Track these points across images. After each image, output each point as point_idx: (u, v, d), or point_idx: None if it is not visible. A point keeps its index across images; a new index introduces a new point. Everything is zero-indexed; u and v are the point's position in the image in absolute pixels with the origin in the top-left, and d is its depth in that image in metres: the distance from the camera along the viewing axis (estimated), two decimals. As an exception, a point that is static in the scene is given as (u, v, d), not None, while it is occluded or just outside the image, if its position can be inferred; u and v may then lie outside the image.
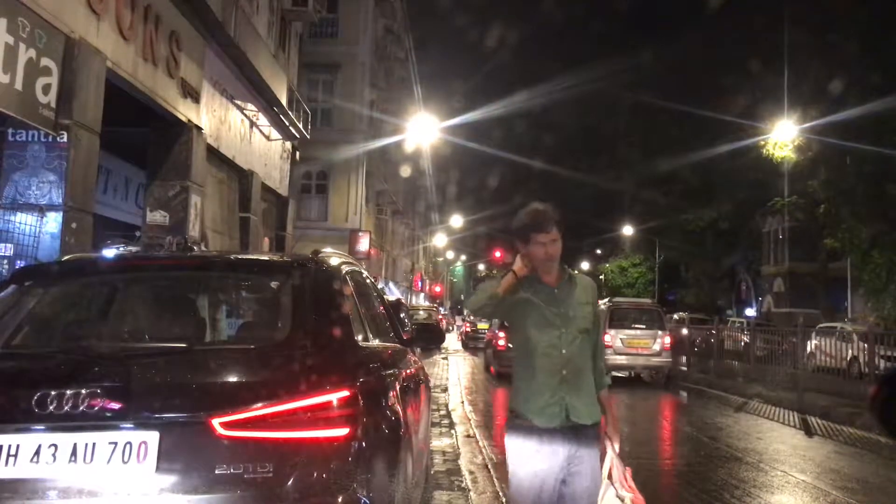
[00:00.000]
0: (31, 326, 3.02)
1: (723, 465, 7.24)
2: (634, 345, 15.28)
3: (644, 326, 15.67)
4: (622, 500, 2.83)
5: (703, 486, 6.20)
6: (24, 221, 7.07)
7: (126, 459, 2.25)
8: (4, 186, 7.19)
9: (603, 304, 18.12)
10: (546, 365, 2.77)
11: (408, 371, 3.75)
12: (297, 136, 17.62)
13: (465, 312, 39.07)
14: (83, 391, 2.29)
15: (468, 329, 30.51)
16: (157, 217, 10.25)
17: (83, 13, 7.52)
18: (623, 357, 15.29)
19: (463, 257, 71.10)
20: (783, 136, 22.65)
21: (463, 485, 5.51)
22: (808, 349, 14.61)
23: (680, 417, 11.21)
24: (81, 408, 2.27)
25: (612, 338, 15.09)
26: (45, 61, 6.80)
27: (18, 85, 6.39)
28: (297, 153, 18.62)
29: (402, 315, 4.42)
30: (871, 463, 7.61)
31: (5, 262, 6.94)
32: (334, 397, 2.42)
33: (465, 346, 29.55)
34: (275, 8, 16.56)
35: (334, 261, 3.37)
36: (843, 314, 28.60)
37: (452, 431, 7.96)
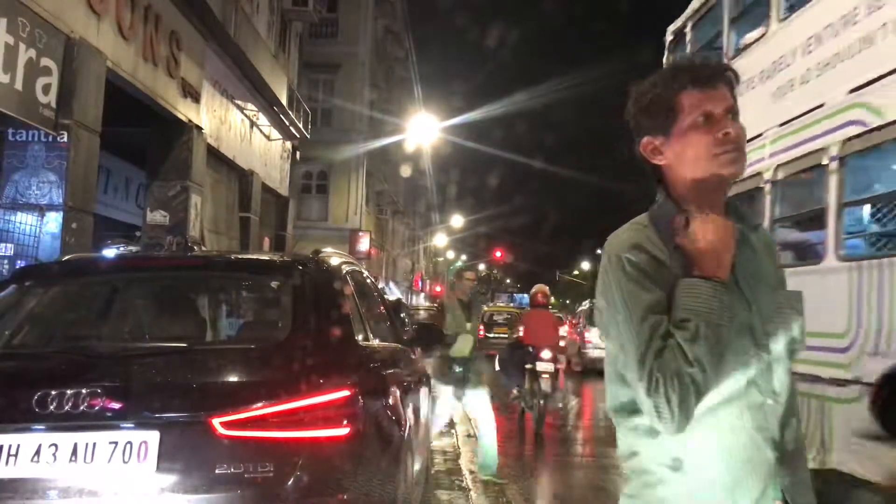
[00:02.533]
0: (31, 326, 3.02)
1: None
2: None
3: None
4: None
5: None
6: (24, 221, 7.06)
7: (126, 459, 2.25)
8: (4, 186, 7.18)
9: (585, 305, 19.17)
10: (737, 437, 1.27)
11: (408, 371, 3.75)
12: (297, 135, 17.61)
13: None
14: (83, 391, 2.29)
15: None
16: (157, 217, 10.24)
17: (83, 13, 7.52)
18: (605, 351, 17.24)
19: (463, 257, 71.08)
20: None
21: (463, 484, 5.52)
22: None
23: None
24: (82, 407, 2.27)
25: (596, 335, 16.86)
26: (45, 61, 6.80)
27: (18, 85, 6.38)
28: (297, 153, 18.60)
29: (402, 315, 4.43)
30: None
31: (5, 262, 6.93)
32: (334, 397, 2.42)
33: None
34: (275, 8, 16.55)
35: (334, 261, 3.37)
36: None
37: (452, 431, 7.97)
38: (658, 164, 1.37)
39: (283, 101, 15.97)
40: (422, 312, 26.23)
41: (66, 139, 7.14)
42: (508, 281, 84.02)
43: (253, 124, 14.40)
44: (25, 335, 2.97)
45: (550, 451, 8.07)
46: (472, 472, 6.02)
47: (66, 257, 3.82)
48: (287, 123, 16.57)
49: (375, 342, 3.38)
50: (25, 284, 3.11)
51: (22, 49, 6.41)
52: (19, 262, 6.80)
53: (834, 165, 5.12)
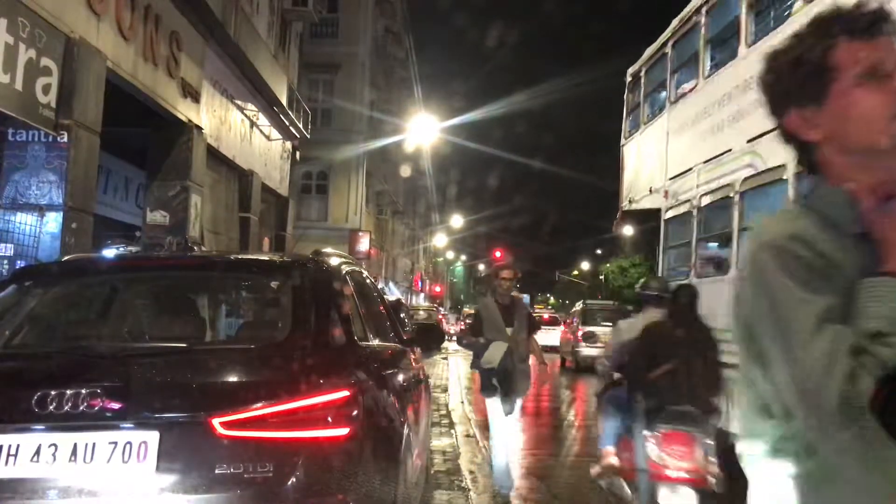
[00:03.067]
0: (31, 326, 3.02)
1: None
2: (601, 339, 17.86)
3: (610, 323, 19.28)
4: None
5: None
6: (24, 221, 7.06)
7: (126, 459, 2.25)
8: (4, 186, 7.18)
9: (577, 306, 20.72)
10: None
11: (408, 371, 3.75)
12: (297, 136, 17.61)
13: (463, 314, 39.45)
14: (83, 391, 2.28)
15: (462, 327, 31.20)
16: (157, 217, 10.24)
17: (83, 13, 7.52)
18: (594, 349, 18.30)
19: (463, 257, 71.14)
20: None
21: (463, 484, 5.52)
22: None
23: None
24: (81, 407, 2.27)
25: (584, 333, 19.12)
26: (45, 61, 6.79)
27: (18, 85, 6.38)
28: (297, 153, 18.60)
29: (402, 315, 4.43)
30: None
31: (5, 262, 6.93)
32: (334, 397, 2.42)
33: (459, 341, 29.92)
34: (275, 8, 16.54)
35: (334, 261, 3.37)
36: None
37: (452, 431, 7.97)
38: (810, 142, 1.11)
39: (283, 101, 15.96)
40: (421, 313, 26.30)
41: (66, 139, 7.14)
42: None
43: (253, 124, 14.40)
44: (25, 335, 2.97)
45: (550, 451, 8.07)
46: (471, 472, 6.02)
47: (66, 257, 3.82)
48: (287, 123, 16.57)
49: (375, 342, 3.38)
50: (25, 284, 3.11)
51: (22, 49, 6.41)
52: (19, 262, 6.80)
53: (736, 198, 6.52)
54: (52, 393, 2.28)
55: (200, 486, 2.24)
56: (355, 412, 2.45)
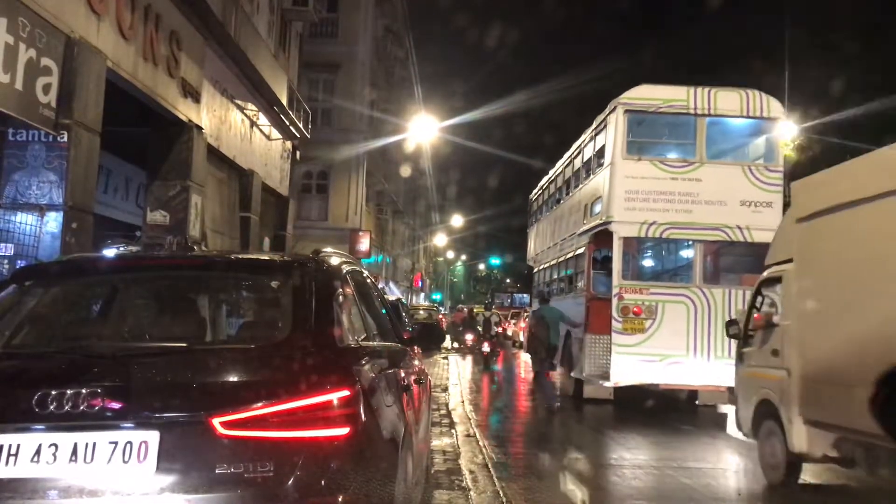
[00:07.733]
0: (31, 326, 3.02)
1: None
2: None
3: None
4: None
5: (695, 480, 6.21)
6: (24, 221, 7.06)
7: (126, 459, 2.25)
8: (5, 186, 7.18)
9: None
10: None
11: (408, 371, 3.75)
12: (298, 135, 17.59)
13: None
14: (83, 391, 2.28)
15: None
16: (158, 217, 10.24)
17: (83, 13, 7.52)
18: None
19: (463, 257, 71.14)
20: (784, 135, 22.71)
21: (463, 484, 5.51)
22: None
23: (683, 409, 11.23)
24: (82, 407, 2.27)
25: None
26: (45, 61, 6.79)
27: (19, 85, 6.38)
28: (298, 153, 18.59)
29: (402, 315, 4.42)
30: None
31: (5, 262, 6.94)
32: (334, 397, 2.42)
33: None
34: (275, 8, 16.54)
35: (334, 260, 3.36)
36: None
37: (452, 431, 7.96)
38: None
39: (283, 100, 15.95)
40: (422, 312, 26.28)
41: (66, 139, 7.14)
42: (508, 281, 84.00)
43: (253, 124, 14.40)
44: (25, 335, 2.96)
45: (551, 451, 8.07)
46: (471, 472, 6.02)
47: (66, 257, 3.81)
48: (287, 123, 16.56)
49: (375, 342, 3.38)
50: (25, 284, 3.11)
51: (22, 49, 6.41)
52: (19, 262, 6.80)
53: (586, 257, 11.90)
54: (53, 393, 2.28)
55: (201, 485, 2.24)
56: (355, 412, 2.45)
